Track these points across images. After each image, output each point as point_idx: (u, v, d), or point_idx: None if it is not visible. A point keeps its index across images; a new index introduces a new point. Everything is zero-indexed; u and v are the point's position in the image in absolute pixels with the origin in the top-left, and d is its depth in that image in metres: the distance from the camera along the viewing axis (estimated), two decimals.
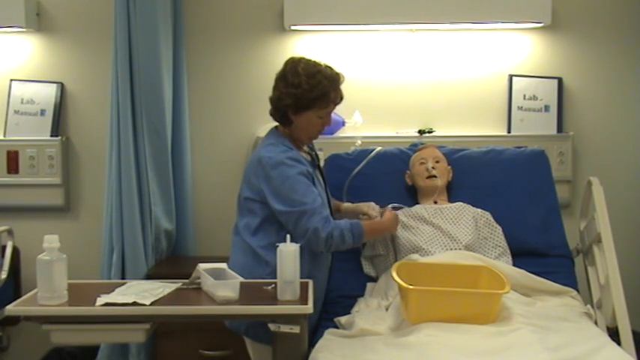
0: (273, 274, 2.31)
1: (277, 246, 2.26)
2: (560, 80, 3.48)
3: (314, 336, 2.45)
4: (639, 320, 2.75)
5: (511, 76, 3.48)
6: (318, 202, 2.45)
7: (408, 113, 3.50)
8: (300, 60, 2.56)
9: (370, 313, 2.49)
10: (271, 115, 2.61)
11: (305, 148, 2.68)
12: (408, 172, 2.97)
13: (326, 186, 2.69)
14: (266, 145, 2.58)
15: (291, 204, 2.44)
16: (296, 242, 2.33)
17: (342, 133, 3.44)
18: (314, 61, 2.57)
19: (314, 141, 2.71)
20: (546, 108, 3.48)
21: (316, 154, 2.74)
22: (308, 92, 2.49)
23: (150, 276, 3.07)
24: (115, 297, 2.24)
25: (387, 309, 2.48)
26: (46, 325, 2.22)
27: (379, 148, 2.93)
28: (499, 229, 2.81)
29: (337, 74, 2.57)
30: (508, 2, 3.31)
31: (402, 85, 3.50)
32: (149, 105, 3.18)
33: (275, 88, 2.58)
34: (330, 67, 2.57)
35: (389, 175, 2.99)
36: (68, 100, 3.54)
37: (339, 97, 2.58)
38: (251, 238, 2.54)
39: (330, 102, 2.54)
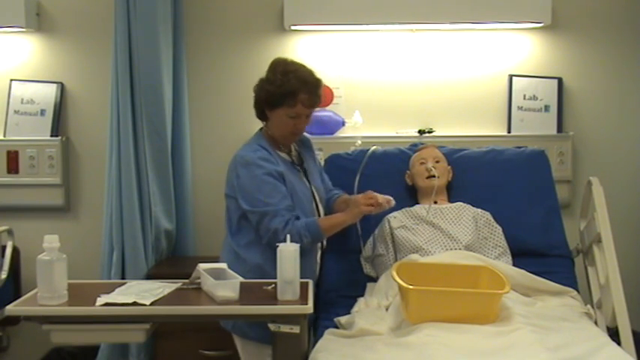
0: (252, 272, 2.40)
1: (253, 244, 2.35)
2: (560, 80, 3.48)
3: (310, 333, 2.46)
4: (639, 320, 2.75)
5: (511, 76, 3.48)
6: (283, 204, 2.49)
7: (408, 113, 3.50)
8: (285, 60, 2.63)
9: (370, 313, 2.49)
10: (254, 109, 2.68)
11: (284, 148, 2.68)
12: (408, 172, 2.97)
13: (311, 184, 2.70)
14: (245, 144, 2.67)
15: (254, 204, 2.51)
16: (261, 240, 2.46)
17: (342, 133, 3.45)
18: (298, 63, 2.61)
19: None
20: (546, 108, 3.48)
21: (298, 154, 2.75)
22: (277, 89, 2.55)
23: (150, 276, 3.07)
24: (115, 297, 2.24)
25: (387, 309, 2.48)
26: (46, 325, 2.22)
27: (374, 147, 2.93)
28: (499, 229, 2.81)
29: (314, 79, 2.58)
30: (508, 2, 3.31)
31: (402, 85, 3.50)
32: (149, 105, 3.18)
33: (256, 84, 2.66)
34: (310, 71, 2.59)
35: (389, 175, 2.98)
36: (68, 100, 3.54)
37: (312, 101, 2.58)
38: (232, 237, 2.61)
39: (297, 102, 2.55)
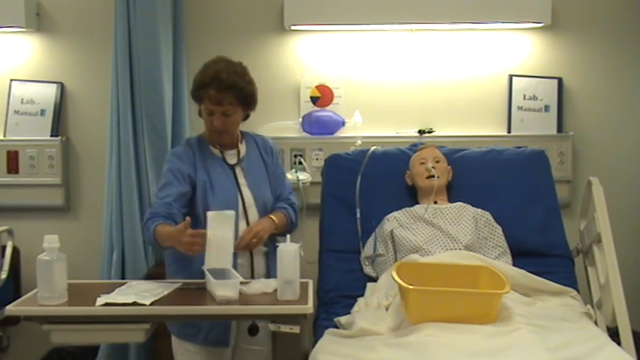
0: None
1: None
2: (560, 80, 3.48)
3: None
4: (639, 320, 2.75)
5: (511, 76, 3.48)
6: (166, 199, 2.54)
7: (408, 113, 3.50)
8: (220, 57, 2.63)
9: (370, 313, 2.49)
10: None
11: (220, 146, 2.66)
12: (408, 172, 2.97)
13: (240, 185, 2.65)
14: None
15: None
16: None
17: (342, 133, 3.45)
18: (227, 60, 2.59)
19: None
20: (546, 108, 3.48)
21: (238, 152, 2.70)
22: (194, 82, 2.60)
23: (150, 276, 3.07)
24: (115, 297, 2.24)
25: (387, 309, 2.48)
26: (46, 325, 2.22)
27: (374, 147, 2.92)
28: (499, 229, 2.81)
29: (228, 77, 2.52)
30: (508, 2, 3.31)
31: (402, 85, 3.50)
32: (149, 105, 3.18)
33: None
34: (231, 70, 2.54)
35: (389, 175, 2.99)
36: (68, 100, 3.54)
37: (219, 99, 2.53)
38: None
39: (204, 97, 2.55)
